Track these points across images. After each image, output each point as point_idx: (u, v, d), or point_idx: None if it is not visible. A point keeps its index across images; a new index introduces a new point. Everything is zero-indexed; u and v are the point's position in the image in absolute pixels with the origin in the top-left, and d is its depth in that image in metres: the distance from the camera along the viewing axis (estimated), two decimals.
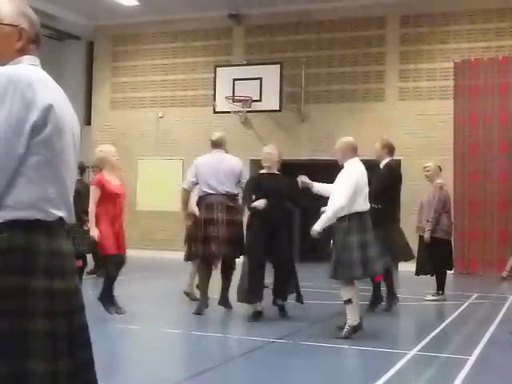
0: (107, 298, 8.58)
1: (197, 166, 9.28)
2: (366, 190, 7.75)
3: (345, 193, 7.47)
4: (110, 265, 8.59)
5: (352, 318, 7.55)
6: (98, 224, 8.44)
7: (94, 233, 8.37)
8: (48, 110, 2.58)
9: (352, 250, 7.46)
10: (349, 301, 7.53)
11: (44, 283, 2.55)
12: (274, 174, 9.04)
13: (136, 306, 9.62)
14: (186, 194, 9.38)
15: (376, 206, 8.82)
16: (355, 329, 7.56)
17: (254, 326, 8.33)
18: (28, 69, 2.68)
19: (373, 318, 8.85)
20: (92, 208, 8.49)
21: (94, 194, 8.53)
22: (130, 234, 17.52)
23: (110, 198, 8.52)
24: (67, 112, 2.77)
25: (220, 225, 8.81)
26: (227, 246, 8.81)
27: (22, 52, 2.76)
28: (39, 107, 2.56)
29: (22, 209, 2.53)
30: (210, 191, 8.99)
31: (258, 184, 8.90)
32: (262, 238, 8.59)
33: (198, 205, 9.12)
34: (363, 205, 7.64)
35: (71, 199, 2.75)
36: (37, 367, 2.51)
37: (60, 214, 2.65)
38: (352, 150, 7.83)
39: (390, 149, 9.91)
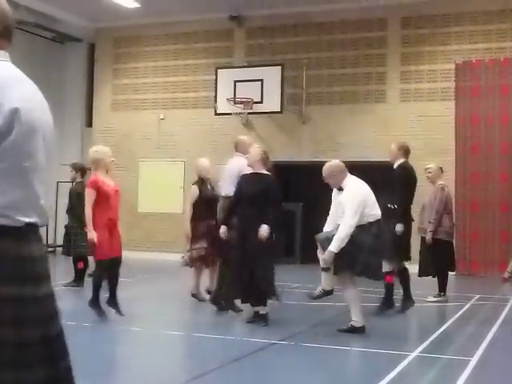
0: (97, 303, 8.62)
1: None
2: (373, 197, 8.08)
3: (354, 212, 7.76)
4: (102, 270, 8.61)
5: (355, 319, 7.86)
6: (95, 229, 8.41)
7: (93, 235, 8.36)
8: (14, 113, 2.47)
9: (361, 250, 7.74)
10: (353, 302, 7.92)
11: (12, 290, 2.47)
12: (257, 174, 8.84)
13: (137, 307, 9.62)
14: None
15: (392, 207, 9.35)
16: (357, 330, 7.78)
17: (255, 328, 8.32)
18: None
19: (375, 320, 8.84)
20: (88, 210, 8.45)
21: (89, 196, 8.50)
22: (131, 235, 17.63)
23: (105, 200, 8.49)
24: (38, 112, 2.64)
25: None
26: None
27: None
28: (4, 112, 2.45)
29: None
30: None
31: (239, 184, 8.88)
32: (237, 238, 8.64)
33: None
34: (376, 213, 8.01)
35: (42, 202, 2.65)
36: (5, 378, 2.43)
37: (28, 219, 2.55)
38: (343, 172, 8.14)
39: (405, 151, 10.01)
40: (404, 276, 9.71)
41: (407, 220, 9.69)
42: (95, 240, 8.32)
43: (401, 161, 9.89)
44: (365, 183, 8.14)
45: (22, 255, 2.52)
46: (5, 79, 2.52)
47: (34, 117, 2.59)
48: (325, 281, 8.16)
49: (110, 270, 8.67)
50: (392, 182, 9.76)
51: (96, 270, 8.74)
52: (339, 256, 7.72)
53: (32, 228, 2.60)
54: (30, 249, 2.56)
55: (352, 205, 7.77)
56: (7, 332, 2.44)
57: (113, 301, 8.67)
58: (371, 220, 7.90)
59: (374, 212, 7.98)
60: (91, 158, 8.91)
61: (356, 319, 7.85)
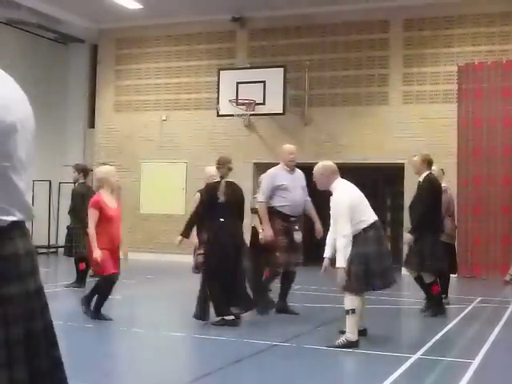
0: (99, 313, 8.66)
1: None
2: (364, 201, 7.66)
3: (344, 220, 7.32)
4: (109, 284, 8.66)
5: (351, 332, 7.31)
6: (97, 245, 8.50)
7: (97, 254, 8.41)
8: None
9: (369, 261, 7.36)
10: (352, 311, 7.31)
11: None
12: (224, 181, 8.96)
13: (139, 308, 9.62)
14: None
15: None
16: (352, 344, 7.25)
17: (257, 330, 8.32)
18: None
19: (376, 322, 8.84)
20: (92, 230, 8.56)
21: (92, 216, 8.62)
22: (133, 236, 17.65)
23: (106, 221, 8.61)
24: (14, 107, 2.53)
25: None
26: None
27: None
28: None
29: None
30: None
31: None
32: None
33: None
34: (369, 218, 7.55)
35: (26, 198, 2.58)
36: None
37: (11, 218, 2.50)
38: (333, 173, 7.75)
39: (428, 162, 10.12)
40: (422, 281, 9.83)
41: (435, 230, 9.83)
42: (99, 259, 8.37)
43: (426, 173, 9.97)
44: (354, 187, 7.73)
45: (5, 254, 2.48)
46: None
47: (12, 114, 2.50)
48: (350, 327, 7.39)
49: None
50: (419, 195, 9.96)
51: (104, 284, 8.70)
52: (352, 278, 7.29)
53: (16, 225, 2.54)
54: (14, 247, 2.52)
55: (341, 213, 7.37)
56: None
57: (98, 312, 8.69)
58: (364, 226, 7.42)
59: (365, 217, 7.49)
60: (97, 178, 9.07)
61: (351, 332, 7.32)
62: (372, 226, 7.51)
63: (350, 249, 7.27)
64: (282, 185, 9.48)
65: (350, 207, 7.36)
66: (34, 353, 2.57)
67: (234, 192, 8.86)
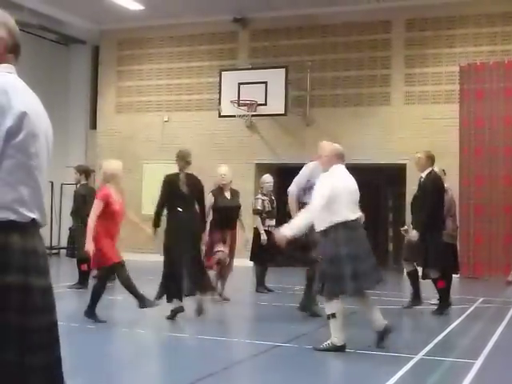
0: (94, 312, 8.58)
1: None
2: (352, 197, 7.35)
3: (319, 199, 7.13)
4: (105, 279, 8.68)
5: (335, 336, 7.10)
6: (99, 238, 8.44)
7: (90, 248, 8.37)
8: (22, 116, 2.65)
9: (342, 264, 7.05)
10: (332, 315, 7.10)
11: (19, 279, 2.63)
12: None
13: (141, 310, 9.61)
14: None
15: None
16: (337, 349, 7.06)
17: (258, 331, 8.32)
18: (3, 76, 2.74)
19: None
20: (92, 221, 8.46)
21: (97, 207, 8.50)
22: (135, 237, 17.60)
23: (111, 215, 8.53)
24: (42, 118, 2.82)
25: None
26: None
27: (0, 62, 2.81)
28: (14, 113, 2.62)
29: None
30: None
31: None
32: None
33: None
34: (349, 214, 7.22)
35: (44, 201, 2.82)
36: (8, 357, 2.61)
37: (33, 215, 2.73)
38: (336, 157, 7.46)
39: (432, 159, 10.27)
40: (415, 278, 10.10)
41: (438, 228, 9.91)
42: (91, 252, 8.38)
43: (429, 169, 10.10)
44: (349, 179, 7.42)
45: (27, 248, 2.69)
46: (10, 87, 2.68)
47: (39, 121, 2.77)
48: (334, 331, 7.16)
49: (118, 274, 8.66)
50: (424, 191, 9.99)
51: (99, 280, 8.71)
52: (326, 282, 7.09)
53: (35, 224, 2.77)
54: (34, 243, 2.74)
55: (319, 192, 7.15)
56: (13, 317, 2.62)
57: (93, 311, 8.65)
58: (338, 220, 7.07)
59: (346, 213, 7.14)
60: (108, 172, 8.82)
61: (336, 336, 7.09)
62: (346, 224, 7.14)
63: (304, 225, 7.17)
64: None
65: (330, 193, 7.10)
66: (49, 343, 2.77)
67: (194, 184, 9.20)
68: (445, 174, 11.40)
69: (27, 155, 2.67)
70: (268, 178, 12.19)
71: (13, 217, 2.63)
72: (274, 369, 6.58)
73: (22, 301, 2.63)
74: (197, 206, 9.22)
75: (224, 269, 10.81)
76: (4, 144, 2.60)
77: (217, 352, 7.38)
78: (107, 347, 7.43)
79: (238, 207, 11.04)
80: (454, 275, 11.17)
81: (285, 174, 17.93)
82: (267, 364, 6.77)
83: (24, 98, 2.71)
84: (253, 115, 17.76)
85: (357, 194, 7.48)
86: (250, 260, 12.10)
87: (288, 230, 7.06)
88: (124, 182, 9.01)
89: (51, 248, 19.85)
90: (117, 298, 11.48)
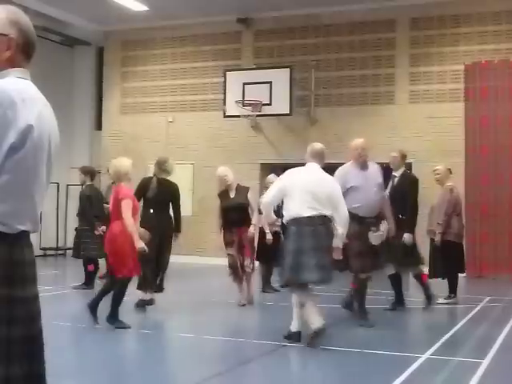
0: (117, 318, 8.32)
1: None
2: (310, 195, 7.45)
3: (271, 191, 7.74)
4: (125, 287, 8.38)
5: (314, 323, 7.24)
6: (122, 241, 8.20)
7: (141, 245, 8.22)
8: (27, 130, 2.61)
9: (287, 256, 7.41)
10: (301, 305, 7.41)
11: (2, 291, 2.61)
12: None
13: (148, 310, 9.62)
14: None
15: (402, 217, 9.67)
16: (319, 332, 7.22)
17: (265, 330, 8.32)
18: (14, 84, 2.67)
19: (385, 322, 8.82)
20: (131, 220, 8.25)
21: (128, 206, 8.27)
22: None
23: (133, 214, 8.40)
24: (48, 126, 2.78)
25: None
26: None
27: (11, 62, 2.75)
28: (19, 128, 2.58)
29: None
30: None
31: None
32: None
33: None
34: (303, 211, 7.38)
35: (38, 212, 2.80)
36: None
37: (23, 227, 2.70)
38: (311, 155, 7.95)
39: (405, 158, 10.56)
40: (397, 280, 10.07)
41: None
42: (145, 248, 8.26)
43: (403, 169, 10.27)
44: (308, 176, 7.64)
45: (14, 260, 2.67)
46: (19, 98, 2.62)
47: (44, 134, 2.74)
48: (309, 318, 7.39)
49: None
50: (401, 191, 9.87)
51: (120, 287, 8.31)
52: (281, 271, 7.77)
53: (25, 234, 2.74)
54: (22, 253, 2.71)
55: (274, 184, 7.88)
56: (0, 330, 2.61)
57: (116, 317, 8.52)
58: (290, 216, 7.45)
59: (298, 209, 7.38)
60: (122, 170, 8.68)
61: (314, 322, 7.25)
62: (297, 220, 7.39)
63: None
64: (352, 186, 8.72)
65: (283, 186, 7.60)
66: (31, 354, 2.74)
67: (166, 188, 9.93)
68: (451, 173, 11.38)
69: (26, 170, 2.65)
70: (273, 178, 12.07)
71: (1, 228, 2.60)
72: (281, 368, 6.57)
73: (6, 313, 2.62)
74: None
75: (238, 271, 10.44)
76: (4, 159, 2.56)
77: (224, 352, 7.38)
78: (114, 347, 7.43)
79: (242, 205, 10.59)
80: (460, 274, 11.18)
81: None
82: (274, 364, 6.77)
83: (32, 108, 2.66)
84: (257, 115, 17.75)
85: (323, 193, 7.54)
86: (256, 260, 12.08)
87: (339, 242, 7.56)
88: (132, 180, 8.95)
89: (57, 249, 19.89)
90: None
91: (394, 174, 10.22)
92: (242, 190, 10.68)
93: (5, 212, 2.60)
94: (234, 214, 10.40)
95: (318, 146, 8.01)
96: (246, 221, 10.50)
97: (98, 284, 11.53)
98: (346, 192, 8.44)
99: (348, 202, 8.04)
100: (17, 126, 2.58)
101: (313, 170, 7.78)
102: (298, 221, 7.38)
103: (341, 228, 7.56)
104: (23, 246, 2.73)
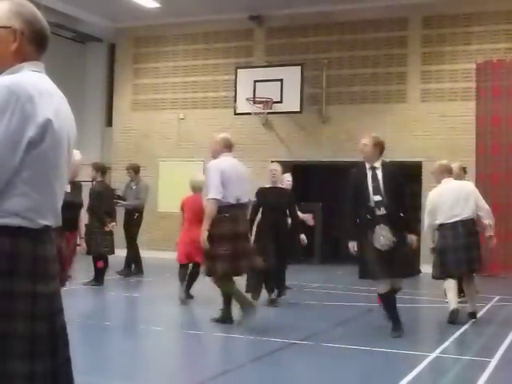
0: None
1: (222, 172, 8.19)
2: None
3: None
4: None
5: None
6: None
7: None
8: (46, 125, 2.60)
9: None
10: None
11: (26, 287, 2.61)
12: None
13: (158, 307, 9.65)
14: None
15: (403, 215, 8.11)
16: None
17: (274, 328, 8.33)
18: (29, 78, 2.66)
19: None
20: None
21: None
22: (152, 235, 17.72)
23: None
24: (66, 120, 2.78)
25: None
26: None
27: (21, 55, 2.73)
28: (38, 122, 2.57)
29: (8, 217, 2.57)
30: (234, 202, 8.20)
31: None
32: None
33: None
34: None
35: (59, 206, 2.80)
36: (15, 368, 2.57)
37: (45, 222, 2.70)
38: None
39: (382, 148, 8.75)
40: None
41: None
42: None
43: (381, 159, 8.45)
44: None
45: (37, 255, 2.66)
46: (36, 92, 2.61)
47: (62, 129, 2.73)
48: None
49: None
50: (390, 185, 8.17)
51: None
52: None
53: (47, 229, 2.74)
54: (44, 249, 2.71)
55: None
56: (20, 325, 2.59)
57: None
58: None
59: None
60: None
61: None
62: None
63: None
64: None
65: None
66: (54, 349, 2.72)
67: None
68: (465, 172, 11.27)
69: (46, 164, 2.65)
70: (288, 177, 11.74)
71: (24, 223, 2.60)
72: (289, 366, 6.58)
73: (29, 308, 2.61)
74: None
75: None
76: (24, 154, 2.56)
77: (233, 349, 7.40)
78: (124, 344, 7.45)
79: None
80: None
81: (300, 171, 17.96)
82: (283, 361, 6.78)
83: (50, 102, 2.65)
84: (268, 113, 17.76)
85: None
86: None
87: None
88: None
89: None
90: (132, 295, 11.53)
91: (374, 165, 8.18)
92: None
93: (28, 207, 2.60)
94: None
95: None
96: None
97: (108, 280, 11.55)
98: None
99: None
100: (36, 121, 2.57)
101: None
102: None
103: None
104: (46, 242, 2.72)
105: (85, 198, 9.88)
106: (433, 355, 6.86)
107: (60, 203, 2.80)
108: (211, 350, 7.41)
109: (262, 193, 10.28)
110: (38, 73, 2.74)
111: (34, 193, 2.61)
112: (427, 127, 16.97)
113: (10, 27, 2.72)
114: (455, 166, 11.04)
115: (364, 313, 8.98)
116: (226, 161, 8.29)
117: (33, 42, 2.76)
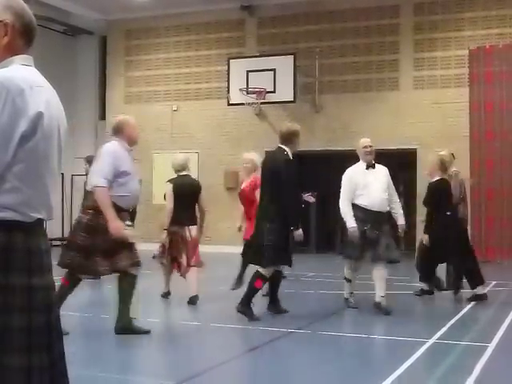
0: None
1: None
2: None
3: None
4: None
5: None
6: None
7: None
8: (37, 118, 2.61)
9: None
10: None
11: (21, 280, 2.62)
12: None
13: (154, 299, 9.66)
14: None
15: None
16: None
17: (272, 317, 8.34)
18: (20, 72, 2.65)
19: (392, 308, 8.83)
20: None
21: None
22: (147, 227, 17.68)
23: None
24: (56, 112, 2.78)
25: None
26: None
27: (12, 49, 2.73)
28: (29, 116, 2.58)
29: (1, 211, 2.59)
30: None
31: None
32: None
33: None
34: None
35: (52, 199, 2.82)
36: (13, 362, 2.58)
37: (38, 215, 2.72)
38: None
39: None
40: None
41: None
42: None
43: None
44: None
45: (31, 248, 2.68)
46: (27, 86, 2.61)
47: (53, 121, 2.74)
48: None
49: None
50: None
51: None
52: None
53: (40, 222, 2.77)
54: (37, 242, 2.73)
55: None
56: (16, 319, 2.60)
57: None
58: None
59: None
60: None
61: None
62: None
63: None
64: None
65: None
66: (51, 341, 2.74)
67: None
68: (454, 157, 11.32)
69: (38, 158, 2.65)
70: None
71: (18, 217, 2.61)
72: (288, 355, 6.59)
73: (25, 301, 2.62)
74: None
75: None
76: (17, 148, 2.56)
77: (231, 339, 7.40)
78: (121, 336, 7.44)
79: None
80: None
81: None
82: (281, 350, 6.79)
83: (41, 96, 2.65)
84: (262, 103, 17.76)
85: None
86: None
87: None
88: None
89: (62, 239, 19.91)
90: None
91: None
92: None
93: (20, 201, 2.61)
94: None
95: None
96: None
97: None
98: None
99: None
100: (27, 114, 2.57)
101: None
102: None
103: None
104: (39, 235, 2.75)
105: (80, 192, 9.86)
106: (431, 341, 6.87)
107: (52, 195, 2.81)
108: (209, 340, 7.41)
109: None
110: (27, 66, 2.74)
111: (25, 187, 2.62)
112: (420, 114, 16.97)
113: (1, 21, 2.72)
114: (445, 153, 11.05)
115: (361, 301, 8.99)
116: None
117: (23, 36, 2.76)
